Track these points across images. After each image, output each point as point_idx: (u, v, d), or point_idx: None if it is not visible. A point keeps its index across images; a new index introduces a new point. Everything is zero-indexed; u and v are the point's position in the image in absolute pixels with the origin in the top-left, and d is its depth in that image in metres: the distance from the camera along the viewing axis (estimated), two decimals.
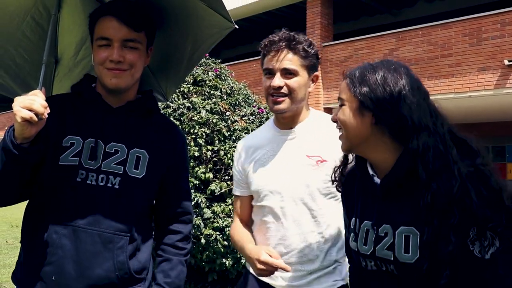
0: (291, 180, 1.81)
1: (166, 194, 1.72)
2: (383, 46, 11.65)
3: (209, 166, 4.72)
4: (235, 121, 5.06)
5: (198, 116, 5.04)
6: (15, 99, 1.34)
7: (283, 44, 1.78)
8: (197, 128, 5.02)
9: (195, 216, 4.54)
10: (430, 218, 1.26)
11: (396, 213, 1.35)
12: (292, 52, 1.78)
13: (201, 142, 4.84)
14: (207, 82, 5.40)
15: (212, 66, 5.61)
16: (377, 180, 1.42)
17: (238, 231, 1.95)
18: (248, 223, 1.99)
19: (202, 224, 4.58)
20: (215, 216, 4.61)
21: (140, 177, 1.60)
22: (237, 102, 5.31)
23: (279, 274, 1.81)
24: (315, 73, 1.89)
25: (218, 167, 4.79)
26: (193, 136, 4.99)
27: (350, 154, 1.55)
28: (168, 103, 5.13)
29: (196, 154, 4.71)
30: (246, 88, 5.86)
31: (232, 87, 5.52)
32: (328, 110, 13.08)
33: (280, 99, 1.78)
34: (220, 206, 4.63)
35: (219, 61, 5.81)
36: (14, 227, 10.80)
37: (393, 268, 1.35)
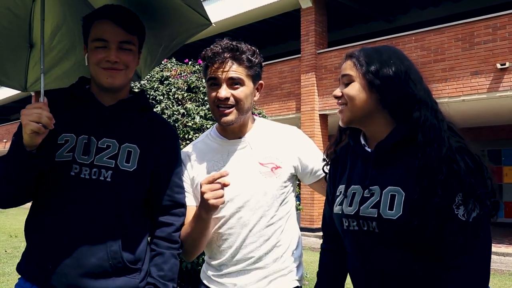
0: (248, 189, 1.80)
1: (158, 188, 1.78)
2: None
3: None
4: None
5: (192, 122, 5.13)
6: (22, 112, 1.50)
7: (228, 55, 1.75)
8: (192, 134, 5.09)
9: None
10: (421, 179, 1.42)
11: (385, 176, 1.51)
12: (237, 63, 1.77)
13: None
14: (201, 88, 5.48)
15: None
16: (367, 149, 1.59)
17: (184, 231, 1.82)
18: None
19: None
20: None
21: (131, 170, 1.68)
22: None
23: (233, 281, 1.82)
24: (260, 81, 1.87)
25: None
26: (188, 142, 5.07)
27: (343, 133, 1.71)
28: (163, 110, 5.21)
29: None
30: None
31: None
32: (323, 117, 13.17)
33: (227, 111, 1.76)
34: None
35: None
36: (13, 237, 10.85)
37: (374, 226, 1.48)
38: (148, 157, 1.73)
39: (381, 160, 1.53)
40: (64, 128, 1.67)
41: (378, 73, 1.50)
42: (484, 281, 1.41)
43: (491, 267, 1.48)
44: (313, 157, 1.91)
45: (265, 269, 1.81)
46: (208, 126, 5.00)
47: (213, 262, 1.87)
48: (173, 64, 5.90)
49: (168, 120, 5.23)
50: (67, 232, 1.61)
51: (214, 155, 1.87)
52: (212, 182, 1.63)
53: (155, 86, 5.54)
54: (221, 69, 1.76)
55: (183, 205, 1.83)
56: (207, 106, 5.14)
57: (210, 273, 1.88)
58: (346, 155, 1.68)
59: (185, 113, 5.28)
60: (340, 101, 1.59)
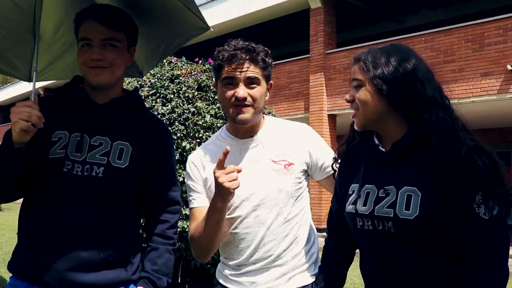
0: (263, 187, 1.82)
1: (152, 185, 1.80)
2: None
3: None
4: None
5: (202, 121, 5.14)
6: (12, 110, 1.53)
7: (246, 56, 1.77)
8: (202, 133, 5.11)
9: None
10: (440, 180, 1.42)
11: (401, 176, 1.51)
12: (254, 64, 1.79)
13: None
14: (212, 87, 5.50)
15: None
16: (382, 149, 1.60)
17: (196, 228, 1.81)
18: None
19: None
20: None
21: (123, 167, 1.71)
22: None
23: (251, 280, 1.82)
24: (270, 81, 1.90)
25: None
26: (198, 141, 5.08)
27: (356, 132, 1.70)
28: (174, 108, 5.23)
29: None
30: None
31: None
32: (332, 117, 13.16)
33: (245, 108, 1.78)
34: None
35: None
36: None
37: (390, 226, 1.48)
38: (140, 155, 1.76)
39: (397, 160, 1.53)
40: (57, 126, 1.72)
41: (385, 77, 1.50)
42: (506, 276, 1.43)
43: None
44: (323, 153, 1.92)
45: (284, 266, 1.82)
46: (218, 124, 5.01)
47: (231, 262, 1.88)
48: (183, 62, 5.91)
49: (179, 118, 5.25)
50: (59, 227, 1.64)
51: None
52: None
53: (166, 84, 5.56)
54: (239, 69, 1.77)
55: (178, 203, 1.85)
56: (218, 104, 5.15)
57: (227, 272, 1.89)
58: (359, 154, 1.68)
59: (196, 111, 5.29)
60: (352, 105, 1.59)
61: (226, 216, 1.82)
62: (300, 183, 1.87)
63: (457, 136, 1.45)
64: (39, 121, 1.53)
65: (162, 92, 5.57)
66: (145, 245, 1.81)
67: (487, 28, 10.25)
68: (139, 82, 5.47)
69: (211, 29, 1.96)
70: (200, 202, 1.87)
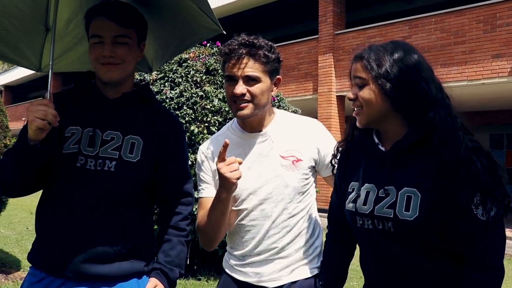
0: (270, 182, 1.85)
1: (164, 178, 1.83)
2: (396, 33, 11.60)
3: None
4: None
5: (211, 105, 5.16)
6: (28, 109, 1.57)
7: (244, 51, 1.77)
8: (210, 117, 5.13)
9: None
10: (438, 180, 1.43)
11: (401, 177, 1.52)
12: (253, 59, 1.79)
13: (214, 130, 4.95)
14: (220, 71, 5.50)
15: None
16: (381, 148, 1.60)
17: (203, 217, 1.87)
18: None
19: None
20: None
21: (134, 161, 1.74)
22: None
23: (255, 270, 1.88)
24: (278, 76, 1.90)
25: None
26: (206, 124, 5.11)
27: (355, 130, 1.71)
28: (182, 92, 5.25)
29: None
30: None
31: None
32: (340, 98, 13.10)
33: (243, 105, 1.80)
34: None
35: None
36: (33, 214, 11.06)
37: (390, 226, 1.50)
38: (152, 148, 1.79)
39: (397, 161, 1.54)
40: (70, 121, 1.76)
41: (389, 76, 1.48)
42: (503, 276, 1.46)
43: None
44: (331, 150, 1.92)
45: (287, 258, 1.86)
46: (226, 108, 5.03)
47: (236, 253, 1.93)
48: None
49: (187, 102, 5.27)
50: (73, 220, 1.68)
51: (235, 149, 1.89)
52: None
53: (174, 68, 5.57)
54: (237, 66, 1.79)
55: (190, 195, 1.88)
56: None
57: (232, 262, 1.94)
58: (359, 152, 1.69)
59: (204, 95, 5.31)
60: (355, 103, 1.58)
61: (233, 208, 1.87)
62: (307, 179, 1.90)
63: (456, 135, 1.45)
64: (54, 120, 1.57)
65: (170, 76, 5.58)
66: (158, 237, 1.85)
67: (500, 9, 10.08)
68: None
69: (224, 32, 1.95)
70: (208, 192, 1.92)
